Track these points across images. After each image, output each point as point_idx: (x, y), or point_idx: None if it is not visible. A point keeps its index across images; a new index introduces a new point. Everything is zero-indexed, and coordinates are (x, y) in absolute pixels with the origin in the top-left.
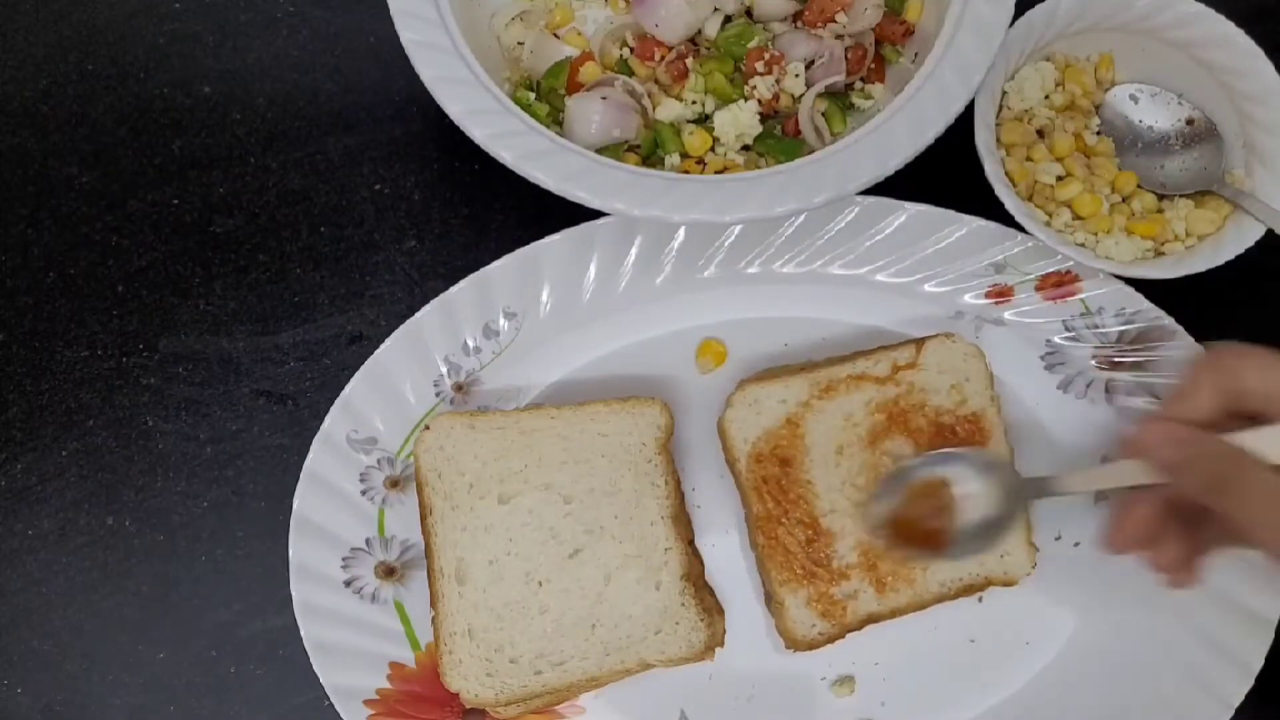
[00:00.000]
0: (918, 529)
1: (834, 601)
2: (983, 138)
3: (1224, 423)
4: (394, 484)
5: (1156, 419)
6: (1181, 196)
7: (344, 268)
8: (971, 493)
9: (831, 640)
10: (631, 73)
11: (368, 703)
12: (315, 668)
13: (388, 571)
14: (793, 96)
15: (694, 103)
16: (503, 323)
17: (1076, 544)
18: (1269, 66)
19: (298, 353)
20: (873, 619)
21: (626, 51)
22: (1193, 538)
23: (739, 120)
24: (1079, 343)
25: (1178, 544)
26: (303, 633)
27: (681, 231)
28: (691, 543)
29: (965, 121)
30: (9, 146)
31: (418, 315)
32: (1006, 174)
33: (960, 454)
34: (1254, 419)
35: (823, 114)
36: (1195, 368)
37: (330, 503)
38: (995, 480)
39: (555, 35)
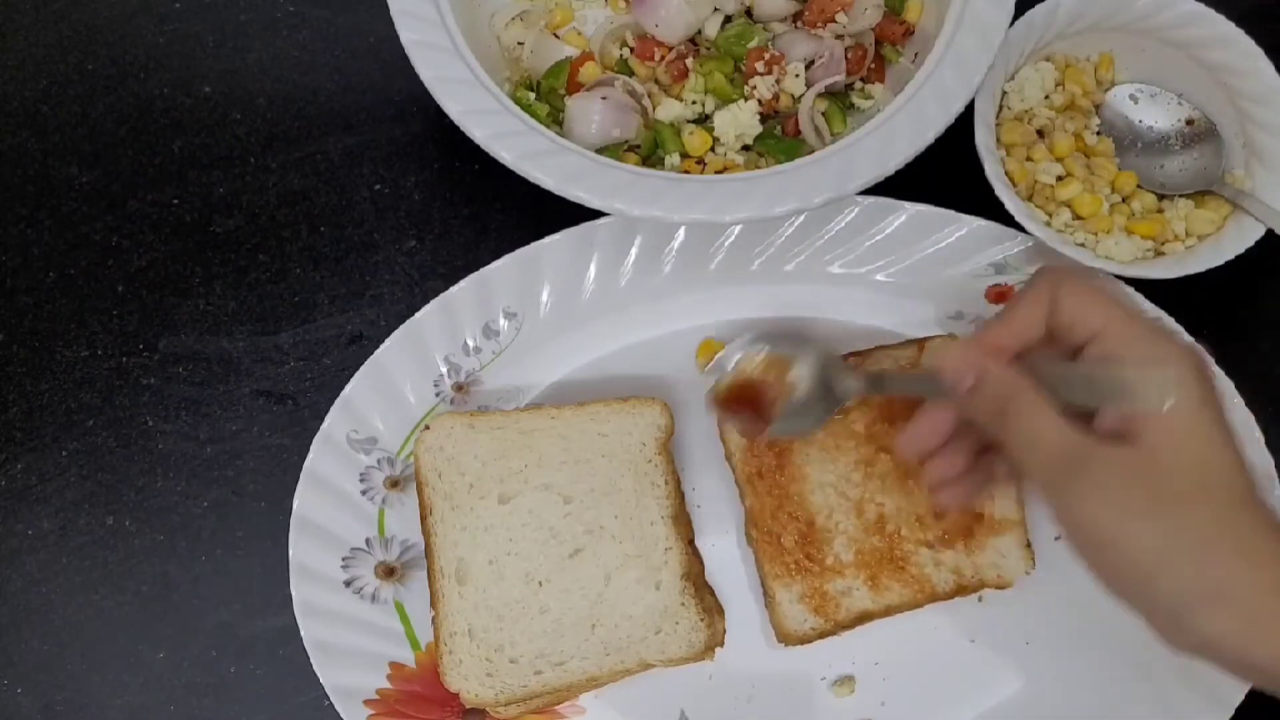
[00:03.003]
0: (750, 400)
1: (827, 597)
2: (983, 138)
3: (1049, 347)
4: (394, 484)
5: (966, 340)
6: (1181, 196)
7: (344, 268)
8: (800, 376)
9: (824, 636)
10: (631, 73)
11: (368, 703)
12: (315, 668)
13: (388, 571)
14: (793, 96)
15: (694, 103)
16: (503, 323)
17: None
18: (1269, 66)
19: (298, 353)
20: (866, 617)
21: (626, 51)
22: (982, 463)
23: (739, 120)
24: None
25: (958, 459)
26: (303, 633)
27: (681, 231)
28: (691, 543)
29: (965, 121)
30: (9, 146)
31: (418, 315)
32: (1006, 174)
33: (785, 334)
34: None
35: (823, 114)
36: (1023, 290)
37: (330, 503)
38: (812, 362)
39: (555, 35)
